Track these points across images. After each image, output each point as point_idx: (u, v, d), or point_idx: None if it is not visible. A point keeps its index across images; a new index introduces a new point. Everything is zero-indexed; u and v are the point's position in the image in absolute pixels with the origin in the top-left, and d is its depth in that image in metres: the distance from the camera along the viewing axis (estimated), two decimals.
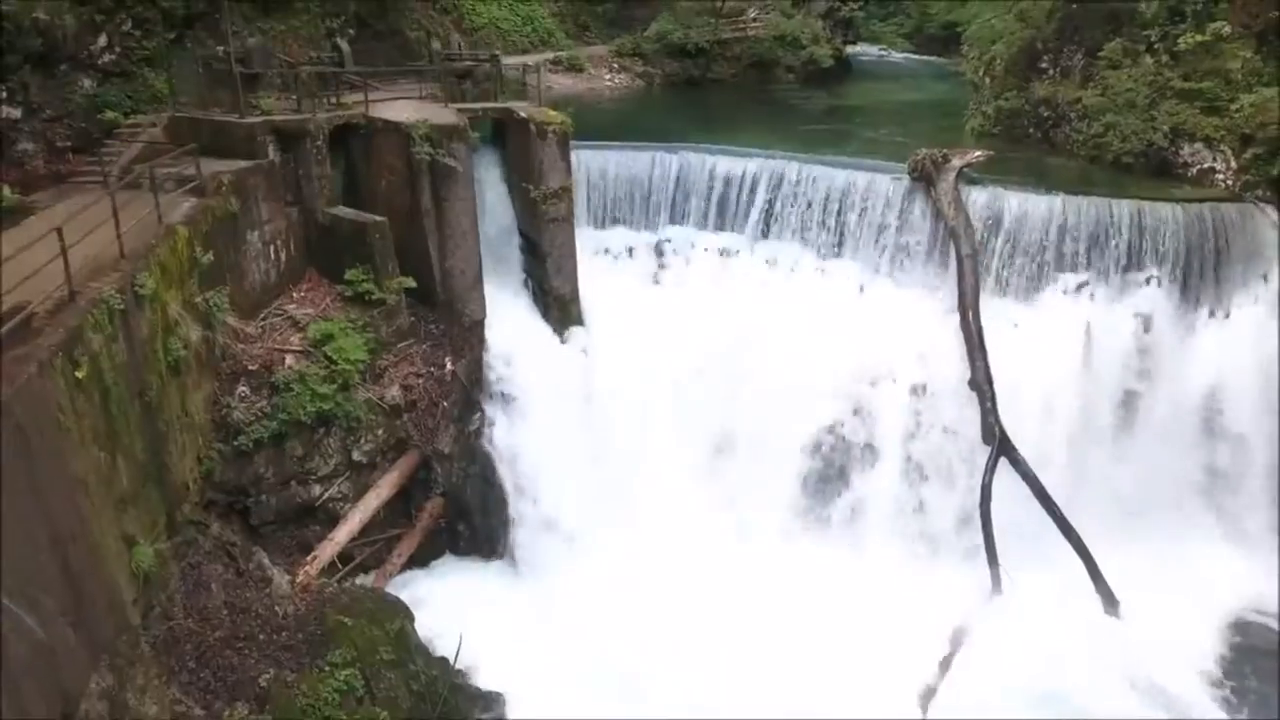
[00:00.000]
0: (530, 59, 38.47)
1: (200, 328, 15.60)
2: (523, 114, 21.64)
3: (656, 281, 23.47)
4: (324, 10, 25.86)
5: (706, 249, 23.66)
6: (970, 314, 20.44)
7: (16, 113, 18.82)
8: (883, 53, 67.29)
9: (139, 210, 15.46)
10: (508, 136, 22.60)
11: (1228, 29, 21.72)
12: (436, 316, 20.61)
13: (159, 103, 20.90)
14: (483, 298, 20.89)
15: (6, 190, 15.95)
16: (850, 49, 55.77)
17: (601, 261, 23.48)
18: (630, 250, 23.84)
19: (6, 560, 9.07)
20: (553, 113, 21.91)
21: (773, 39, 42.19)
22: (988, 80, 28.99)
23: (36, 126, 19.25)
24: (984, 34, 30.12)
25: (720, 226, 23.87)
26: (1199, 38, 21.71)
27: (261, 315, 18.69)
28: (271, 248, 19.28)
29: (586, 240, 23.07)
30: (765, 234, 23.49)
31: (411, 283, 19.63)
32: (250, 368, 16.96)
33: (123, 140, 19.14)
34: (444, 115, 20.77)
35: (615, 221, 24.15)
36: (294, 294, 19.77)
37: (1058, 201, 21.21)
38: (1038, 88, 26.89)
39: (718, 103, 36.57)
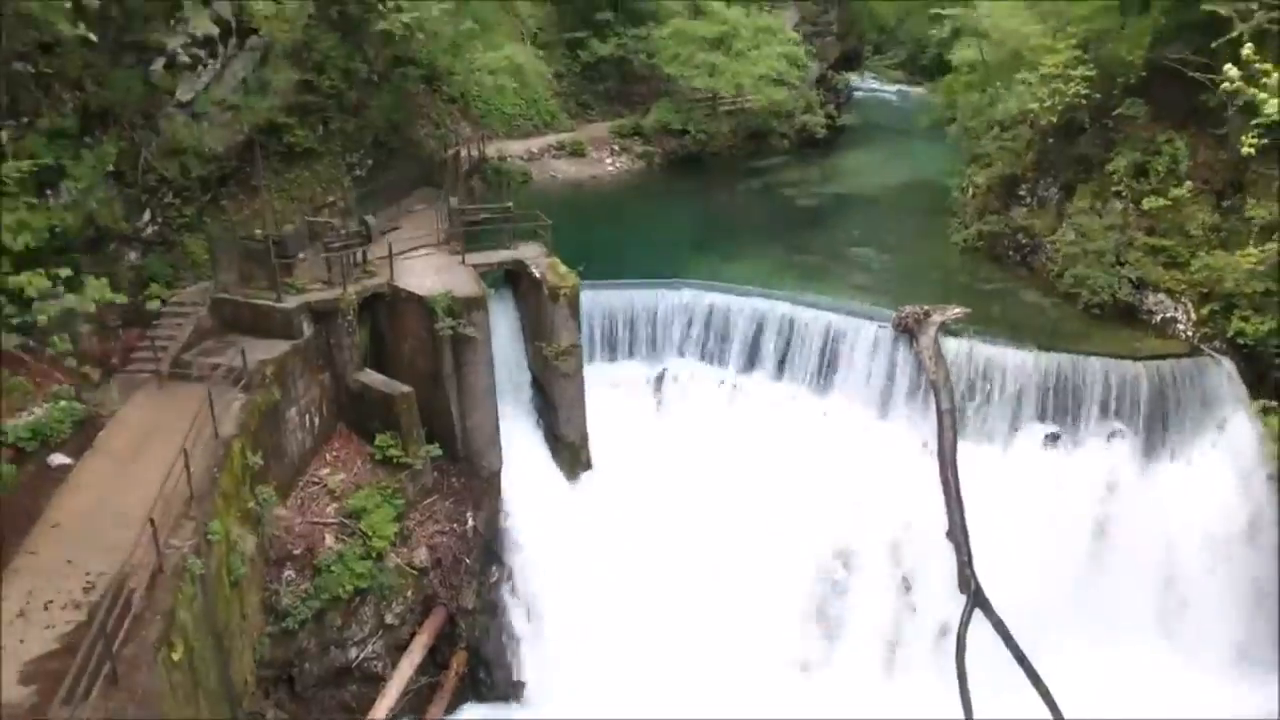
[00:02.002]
0: (533, 144, 40.34)
1: (254, 535, 17.33)
2: (536, 272, 23.30)
3: (659, 416, 25.19)
4: (344, 147, 27.38)
5: (705, 383, 25.40)
6: (949, 469, 22.20)
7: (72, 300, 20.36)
8: (876, 86, 68.80)
9: (192, 408, 17.19)
10: (520, 287, 24.27)
11: (1188, 194, 23.38)
12: (457, 470, 22.35)
13: (198, 268, 22.49)
14: (500, 451, 22.64)
15: (72, 403, 17.52)
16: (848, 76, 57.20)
17: (607, 395, 25.09)
18: (634, 384, 25.52)
19: None
20: (563, 269, 23.52)
21: (767, 113, 43.50)
22: (972, 198, 30.67)
23: (89, 308, 20.79)
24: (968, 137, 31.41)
25: (719, 361, 25.60)
26: (1162, 201, 23.37)
27: (299, 484, 20.43)
28: (307, 416, 21.01)
29: (592, 373, 24.69)
30: (758, 369, 25.26)
31: (438, 450, 21.38)
32: (295, 552, 18.72)
33: (171, 322, 20.70)
34: (462, 281, 22.39)
35: (619, 355, 25.79)
36: (327, 455, 21.51)
37: (1030, 357, 22.97)
38: (1017, 214, 28.68)
39: (715, 189, 38.14)
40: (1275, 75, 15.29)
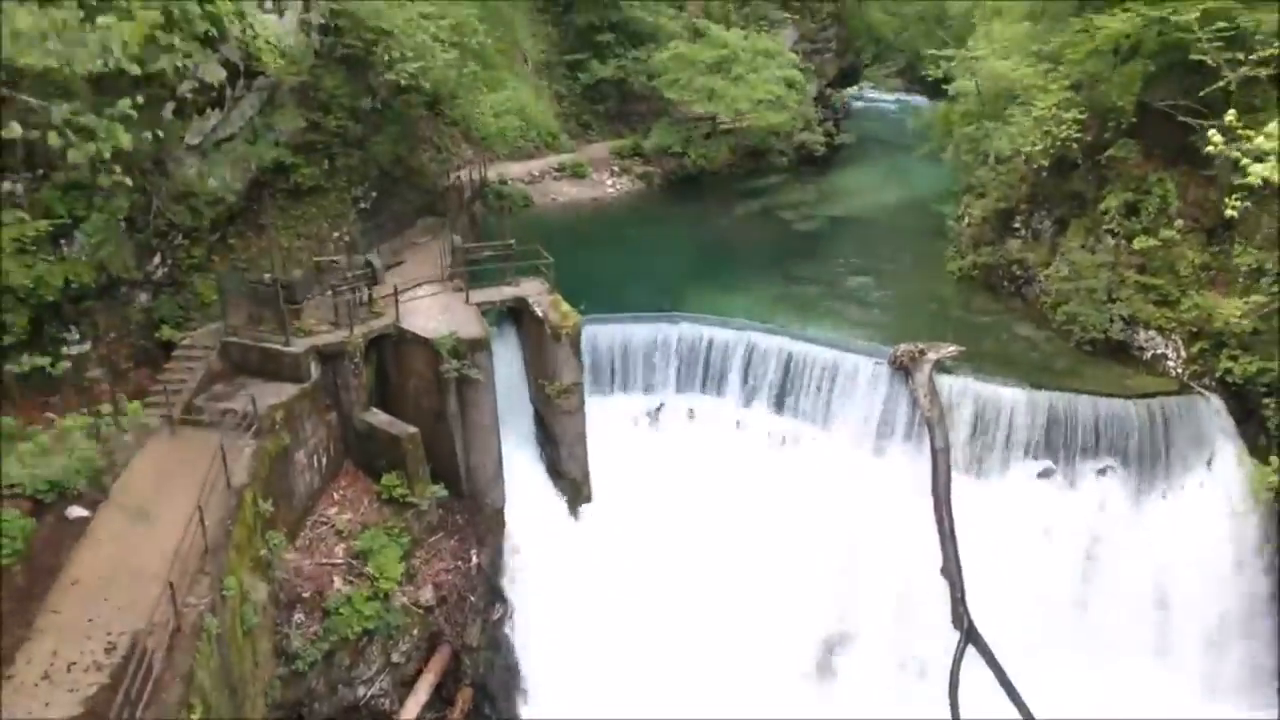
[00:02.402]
0: (535, 166, 40.78)
1: (265, 583, 17.82)
2: (538, 311, 23.75)
3: (658, 450, 25.62)
4: (349, 181, 27.80)
5: (704, 417, 25.90)
6: (943, 506, 22.70)
7: (86, 346, 20.88)
8: (875, 96, 69.30)
9: (205, 454, 17.72)
10: (523, 323, 24.74)
11: (1178, 234, 23.84)
12: (461, 506, 22.84)
13: (207, 308, 22.92)
14: (503, 488, 23.14)
15: (87, 451, 17.97)
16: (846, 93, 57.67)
17: (607, 428, 25.54)
18: (633, 417, 26.00)
19: None
20: (565, 308, 23.95)
21: (766, 132, 43.82)
22: (967, 227, 31.12)
23: (102, 351, 21.31)
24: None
25: (717, 394, 26.08)
26: (1152, 241, 23.83)
27: (307, 523, 20.92)
28: (314, 457, 21.48)
29: (592, 406, 25.12)
30: (756, 403, 25.76)
31: (443, 491, 21.85)
32: (304, 594, 19.20)
33: (182, 366, 21.15)
34: (466, 321, 22.85)
35: (618, 388, 26.26)
36: (334, 494, 21.99)
37: (1023, 395, 23.45)
38: (1011, 246, 29.15)
39: (714, 213, 38.55)
40: (1258, 139, 15.69)
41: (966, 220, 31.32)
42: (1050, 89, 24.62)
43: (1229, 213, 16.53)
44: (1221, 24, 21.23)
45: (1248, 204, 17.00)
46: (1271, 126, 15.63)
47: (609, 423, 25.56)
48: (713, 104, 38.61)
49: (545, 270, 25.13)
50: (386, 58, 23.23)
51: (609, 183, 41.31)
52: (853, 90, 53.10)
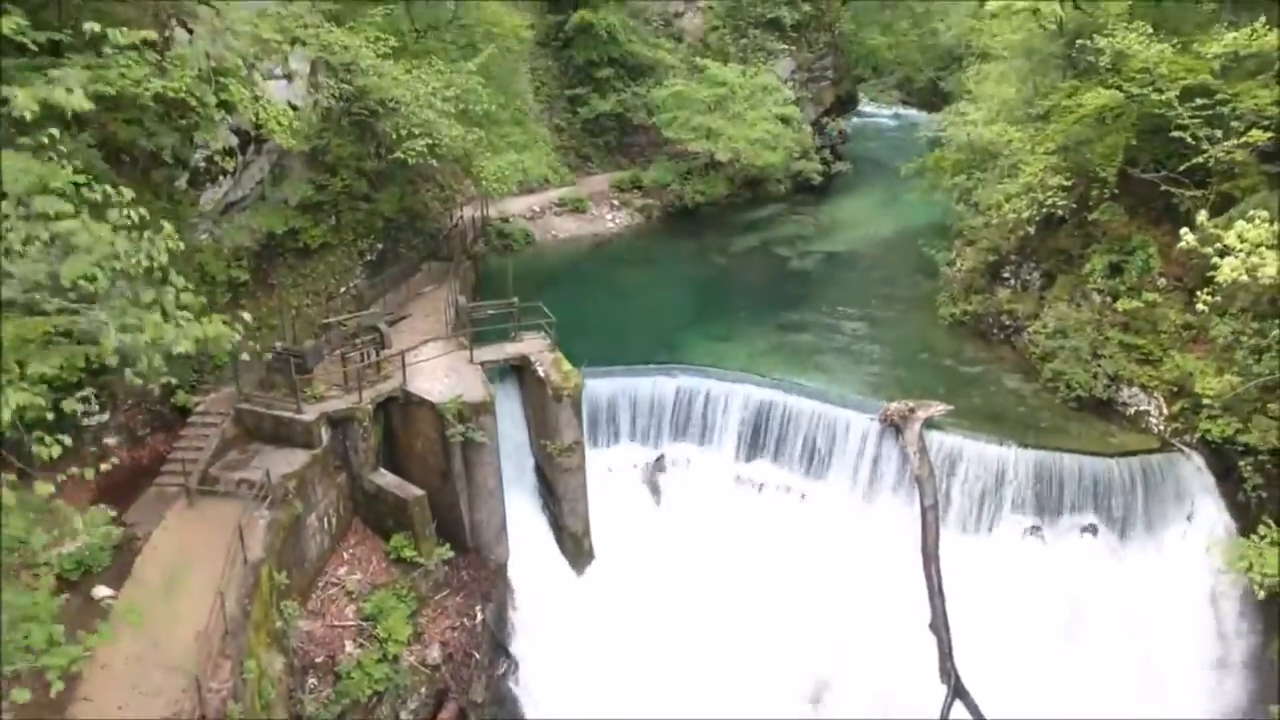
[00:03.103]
0: (536, 201, 41.47)
1: (281, 655, 18.63)
2: (540, 371, 24.53)
3: (657, 500, 26.51)
4: (355, 235, 28.54)
5: (701, 468, 26.72)
6: (931, 562, 23.51)
7: (105, 416, 21.66)
8: (873, 111, 70.01)
9: (222, 526, 18.57)
10: (526, 380, 25.52)
11: (1159, 297, 24.60)
12: (466, 562, 23.66)
13: (220, 370, 23.68)
14: (507, 543, 23.96)
15: (112, 527, 18.75)
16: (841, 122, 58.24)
17: (606, 479, 26.36)
18: (632, 468, 26.81)
19: None
20: (566, 367, 24.72)
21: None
22: (958, 272, 31.86)
23: (120, 420, 22.11)
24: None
25: (714, 446, 26.88)
26: (1135, 303, 24.59)
27: (319, 585, 21.72)
28: (325, 519, 22.29)
29: (592, 457, 25.89)
30: (752, 456, 26.58)
31: (449, 552, 22.64)
32: (316, 660, 20.02)
33: (197, 433, 21.93)
34: (471, 384, 23.62)
35: (617, 439, 27.05)
36: (344, 553, 22.80)
37: (1010, 453, 24.26)
38: (1001, 295, 29.93)
39: (711, 251, 39.25)
40: (1229, 236, 16.50)
41: (958, 265, 32.03)
42: (1037, 153, 25.33)
43: (1200, 306, 17.23)
44: (1202, 100, 21.97)
45: (1218, 298, 17.67)
46: (1240, 225, 16.44)
47: (609, 474, 26.42)
48: (710, 142, 39.26)
49: (547, 328, 25.90)
50: (395, 135, 23.91)
51: (609, 217, 42.02)
52: (846, 123, 53.39)
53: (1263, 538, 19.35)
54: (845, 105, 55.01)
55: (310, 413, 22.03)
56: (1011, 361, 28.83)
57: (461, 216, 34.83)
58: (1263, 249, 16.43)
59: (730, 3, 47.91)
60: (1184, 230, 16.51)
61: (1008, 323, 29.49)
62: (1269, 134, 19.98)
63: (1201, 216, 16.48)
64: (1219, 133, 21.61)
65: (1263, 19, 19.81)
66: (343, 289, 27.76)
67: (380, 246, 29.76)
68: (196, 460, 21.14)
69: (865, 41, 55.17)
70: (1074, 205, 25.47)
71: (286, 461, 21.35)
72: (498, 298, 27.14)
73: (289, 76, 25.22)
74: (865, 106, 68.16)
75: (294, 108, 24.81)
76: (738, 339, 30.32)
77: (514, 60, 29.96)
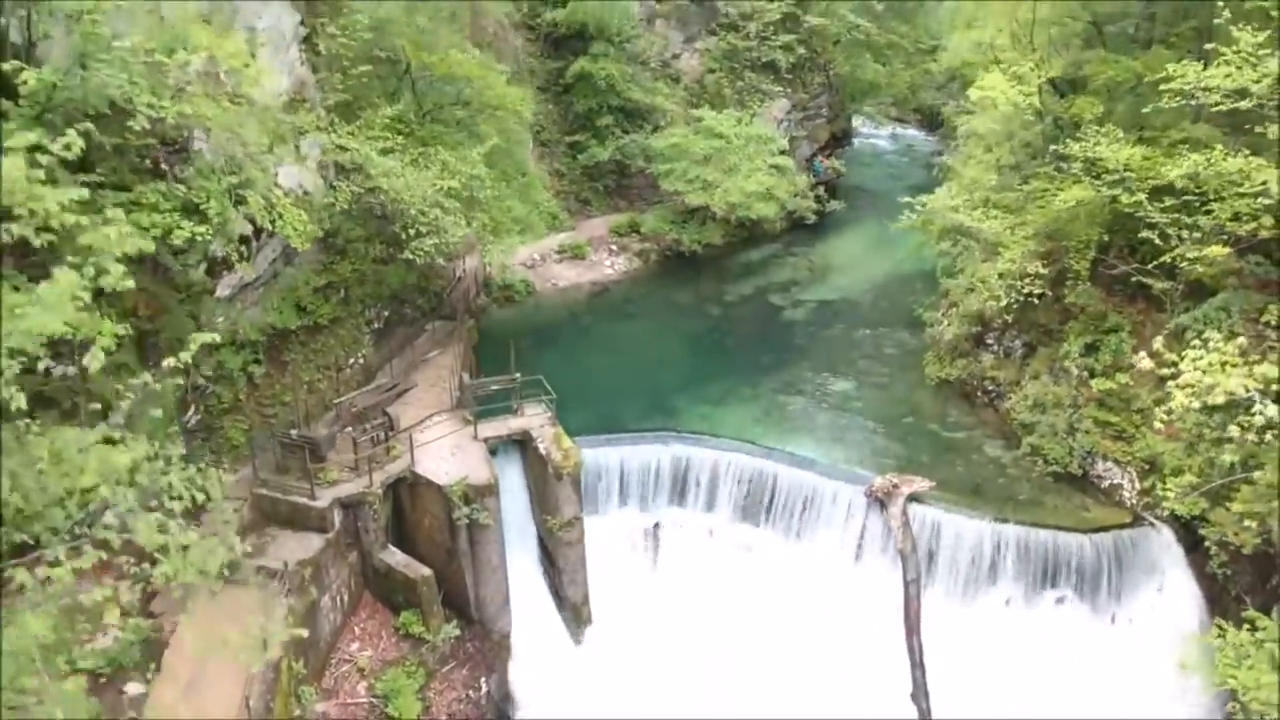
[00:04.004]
0: (537, 249, 42.56)
1: None
2: (541, 448, 25.75)
3: (654, 567, 27.77)
4: (362, 306, 29.69)
5: (696, 535, 27.98)
6: (913, 634, 24.77)
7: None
8: (869, 132, 70.92)
9: (245, 616, 19.69)
10: (528, 453, 26.74)
11: (1131, 381, 25.79)
12: (471, 633, 24.94)
13: (236, 451, 24.92)
14: (510, 615, 25.25)
15: (138, 621, 20.01)
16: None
17: (604, 546, 27.57)
18: (629, 535, 28.07)
19: None
20: (567, 444, 25.91)
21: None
22: (945, 329, 33.02)
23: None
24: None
25: (710, 512, 28.14)
26: (1109, 384, 25.78)
27: (331, 662, 23.00)
28: (338, 598, 23.56)
29: (590, 524, 27.05)
30: (746, 522, 27.84)
31: (456, 631, 23.93)
32: None
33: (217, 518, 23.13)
34: (476, 464, 24.85)
35: (614, 506, 28.30)
36: (355, 629, 24.08)
37: (988, 528, 25.51)
38: (985, 360, 31.15)
39: (707, 300, 40.42)
40: (1182, 365, 17.66)
41: (944, 325, 33.19)
42: (1016, 236, 26.47)
43: (1157, 425, 18.39)
44: (1170, 200, 23.10)
45: (1174, 420, 18.84)
46: (1193, 353, 17.59)
47: (606, 542, 27.63)
48: (706, 195, 40.34)
49: (549, 404, 27.13)
50: (404, 235, 25.09)
51: (607, 263, 43.14)
52: (840, 158, 54.38)
53: (1219, 635, 20.32)
54: (840, 141, 56.08)
55: (324, 499, 23.25)
56: (994, 426, 30.03)
57: (464, 269, 35.93)
58: (1216, 371, 17.59)
59: (726, 46, 48.98)
60: (1141, 356, 17.67)
61: (991, 388, 30.70)
62: (1227, 248, 21.09)
63: (1157, 342, 17.69)
64: (1188, 231, 22.67)
65: (1220, 148, 20.88)
66: (351, 360, 28.92)
67: (386, 313, 30.96)
68: None
69: (860, 78, 56.05)
70: (1050, 286, 26.60)
71: (302, 547, 22.60)
72: (499, 359, 28.42)
73: (302, 160, 26.35)
74: (862, 126, 69.00)
75: (306, 192, 26.03)
76: (732, 402, 31.50)
77: (518, 133, 30.99)
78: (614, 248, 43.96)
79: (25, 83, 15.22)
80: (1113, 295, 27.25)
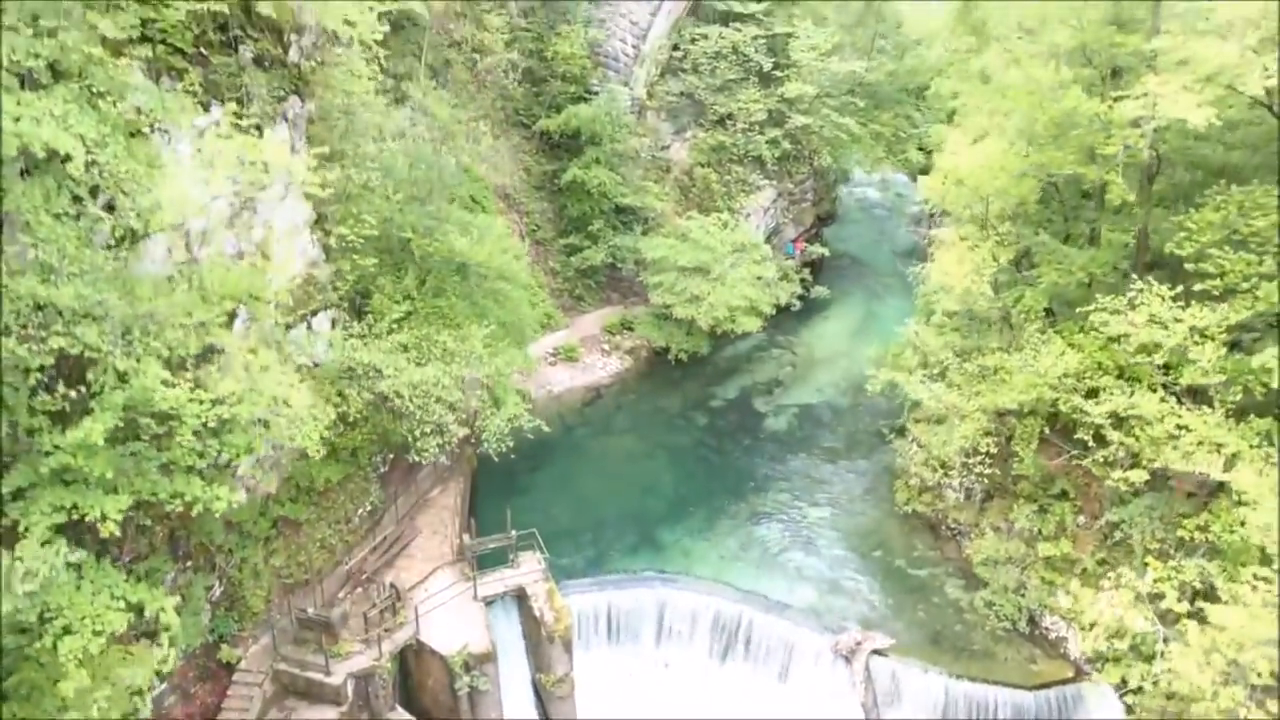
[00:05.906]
0: (531, 351, 44.75)
1: None
2: (535, 609, 28.21)
3: (638, 700, 30.25)
4: (368, 459, 31.93)
5: (679, 668, 30.47)
6: None
7: (162, 684, 25.31)
8: (860, 179, 72.96)
9: None
10: (524, 610, 29.19)
11: (1072, 548, 28.20)
12: None
13: (256, 616, 27.34)
14: None
15: None
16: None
17: (594, 682, 30.07)
18: (616, 671, 30.57)
19: None
20: (559, 603, 28.39)
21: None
22: (912, 464, 35.36)
23: (174, 681, 25.74)
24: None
25: (689, 649, 30.63)
26: (1054, 550, 28.20)
27: None
28: None
29: (580, 658, 29.55)
30: (727, 660, 30.36)
31: None
32: None
33: (241, 693, 25.63)
34: (476, 632, 27.29)
35: (601, 644, 30.79)
36: None
37: (941, 681, 27.99)
38: (949, 498, 33.61)
39: (692, 408, 42.78)
40: (1087, 613, 20.01)
41: (912, 457, 35.51)
42: (971, 410, 28.80)
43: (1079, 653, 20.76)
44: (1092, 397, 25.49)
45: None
46: (1099, 602, 19.95)
47: (595, 677, 30.13)
48: (693, 308, 42.52)
49: (544, 559, 29.58)
50: (410, 439, 27.43)
51: (600, 365, 45.40)
52: (821, 247, 56.36)
53: None
54: (825, 221, 58.19)
55: (338, 674, 25.68)
56: (956, 564, 32.48)
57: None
58: (1128, 606, 20.02)
59: (714, 142, 51.04)
60: (1052, 599, 19.97)
61: (954, 524, 33.12)
62: (1146, 475, 23.53)
63: (1074, 583, 20.02)
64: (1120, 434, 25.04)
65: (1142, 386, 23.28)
66: (359, 511, 31.31)
67: (391, 456, 33.27)
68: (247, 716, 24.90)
69: (846, 158, 58.11)
70: (1004, 444, 28.99)
71: (318, 716, 25.10)
72: (499, 489, 31.53)
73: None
74: (853, 173, 70.78)
75: (315, 364, 28.25)
76: (712, 535, 34.00)
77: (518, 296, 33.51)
78: (606, 347, 46.23)
79: None
80: (1059, 454, 29.60)
